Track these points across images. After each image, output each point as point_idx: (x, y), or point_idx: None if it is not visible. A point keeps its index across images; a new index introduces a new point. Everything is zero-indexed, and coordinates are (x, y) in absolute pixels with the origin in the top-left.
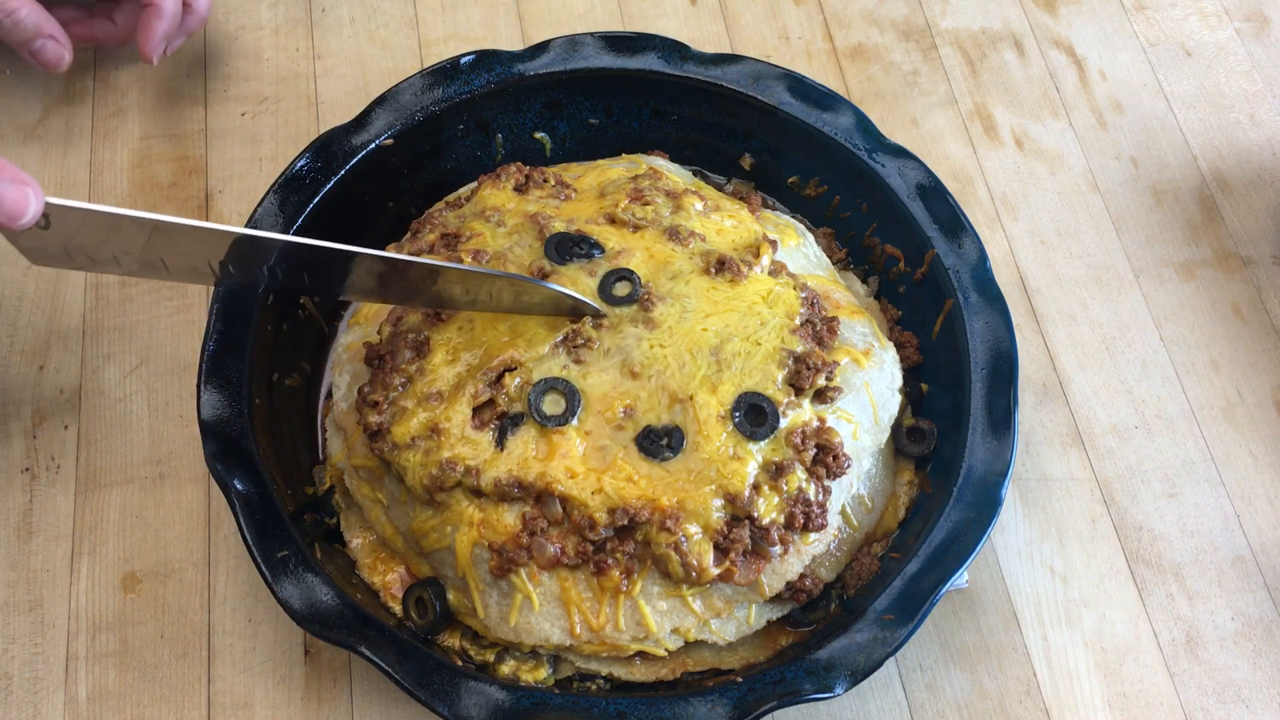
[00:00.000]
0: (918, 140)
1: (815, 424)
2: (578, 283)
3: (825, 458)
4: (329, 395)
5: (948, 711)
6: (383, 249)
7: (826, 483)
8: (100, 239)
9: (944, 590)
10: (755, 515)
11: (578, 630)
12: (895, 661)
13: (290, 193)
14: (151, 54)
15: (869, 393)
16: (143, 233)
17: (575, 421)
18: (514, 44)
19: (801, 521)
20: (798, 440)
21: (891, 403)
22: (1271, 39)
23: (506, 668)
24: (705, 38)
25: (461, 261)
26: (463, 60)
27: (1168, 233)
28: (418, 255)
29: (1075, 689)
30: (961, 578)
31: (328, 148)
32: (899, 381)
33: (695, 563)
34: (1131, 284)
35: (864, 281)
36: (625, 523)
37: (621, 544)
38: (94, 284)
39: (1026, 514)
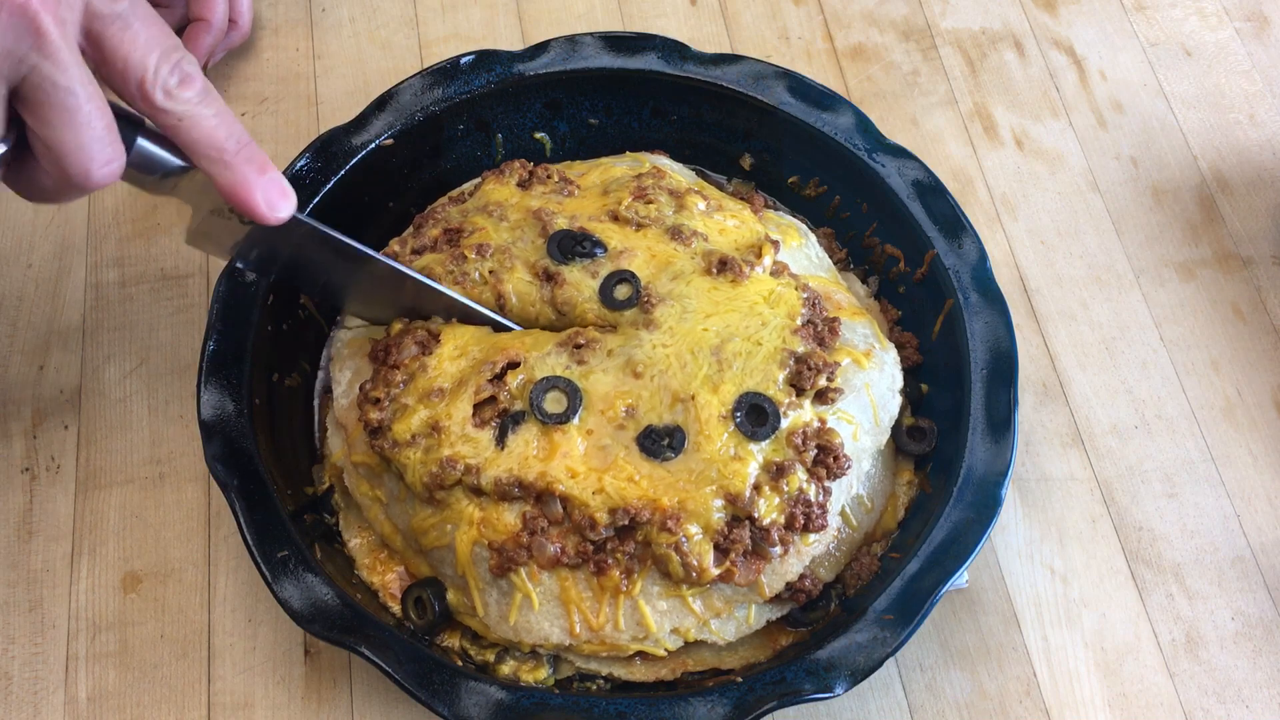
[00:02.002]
0: (918, 140)
1: (816, 425)
2: (580, 284)
3: (826, 459)
4: (327, 392)
5: (948, 711)
6: (385, 245)
7: (827, 483)
8: (280, 247)
9: (944, 590)
10: (756, 516)
11: (577, 630)
12: (895, 661)
13: None
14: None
15: (870, 394)
16: (343, 261)
17: (576, 420)
18: (514, 44)
19: (802, 522)
20: (798, 441)
21: (892, 404)
22: (1271, 39)
23: (506, 668)
24: (705, 38)
25: (465, 258)
26: (463, 60)
27: (1168, 233)
28: (420, 250)
29: (1075, 689)
30: (961, 578)
31: (327, 148)
32: (899, 383)
33: (695, 563)
34: (1131, 284)
35: (864, 281)
36: (626, 523)
37: (622, 544)
38: (94, 284)
39: (1026, 514)
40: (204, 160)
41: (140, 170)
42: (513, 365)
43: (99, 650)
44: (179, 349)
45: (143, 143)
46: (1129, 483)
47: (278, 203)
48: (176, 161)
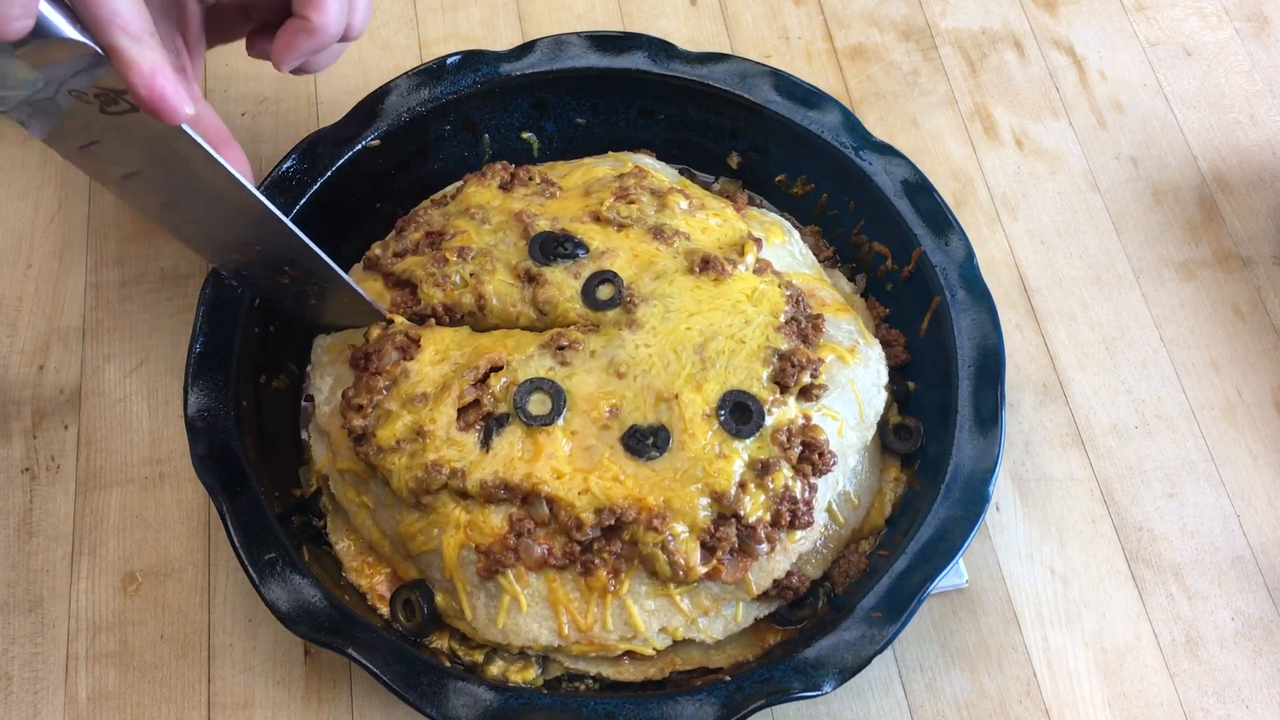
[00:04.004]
0: (918, 140)
1: (801, 421)
2: (562, 285)
3: (811, 455)
4: (311, 399)
5: (948, 711)
6: (368, 248)
7: (813, 480)
8: (154, 159)
9: (931, 588)
10: (742, 513)
11: (566, 631)
12: (895, 661)
13: (277, 194)
14: (282, 64)
15: (854, 390)
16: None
17: (561, 421)
18: (514, 44)
19: (788, 519)
20: (783, 438)
21: (877, 399)
22: (1271, 39)
23: (495, 668)
24: (705, 38)
25: (446, 260)
26: (449, 60)
27: (1168, 233)
28: (402, 253)
29: (1075, 689)
30: (961, 578)
31: (314, 149)
32: (884, 378)
33: (682, 561)
34: (1131, 284)
35: (851, 279)
36: (612, 522)
37: (608, 544)
38: (94, 284)
39: (1026, 514)
40: (120, 35)
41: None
42: (495, 369)
43: (99, 650)
44: (179, 349)
45: (44, 4)
46: (1129, 483)
47: (186, 98)
48: (63, 30)
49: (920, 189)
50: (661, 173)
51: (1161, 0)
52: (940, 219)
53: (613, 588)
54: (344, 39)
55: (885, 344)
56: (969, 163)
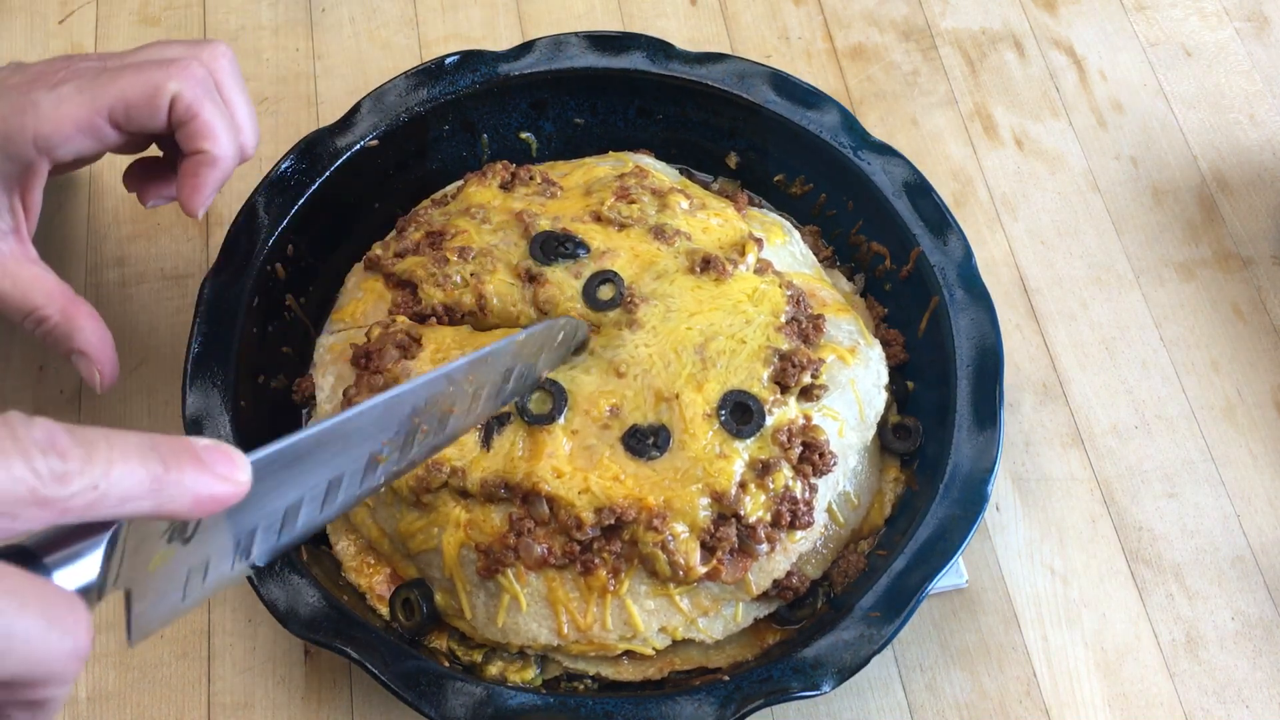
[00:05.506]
0: (918, 140)
1: (801, 422)
2: (563, 284)
3: (811, 455)
4: (313, 397)
5: (948, 711)
6: (369, 248)
7: (813, 480)
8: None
9: (930, 587)
10: (742, 513)
11: (565, 630)
12: (895, 661)
13: (275, 195)
14: (197, 209)
15: (855, 390)
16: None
17: (562, 420)
18: (513, 45)
19: (788, 519)
20: (784, 438)
21: (877, 400)
22: (1271, 39)
23: (494, 668)
24: (705, 38)
25: (447, 260)
26: (447, 60)
27: (1168, 233)
28: (403, 253)
29: (1075, 689)
30: (961, 578)
31: (312, 149)
32: (885, 379)
33: (682, 561)
34: (1131, 284)
35: (850, 279)
36: (612, 522)
37: (608, 543)
38: (94, 284)
39: (1026, 514)
40: None
41: None
42: None
43: (99, 650)
44: (179, 349)
45: None
46: (1129, 483)
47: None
48: None
49: (918, 189)
50: (662, 173)
51: (1161, 0)
52: (938, 219)
53: (612, 587)
54: (241, 159)
55: (884, 343)
56: (969, 163)
